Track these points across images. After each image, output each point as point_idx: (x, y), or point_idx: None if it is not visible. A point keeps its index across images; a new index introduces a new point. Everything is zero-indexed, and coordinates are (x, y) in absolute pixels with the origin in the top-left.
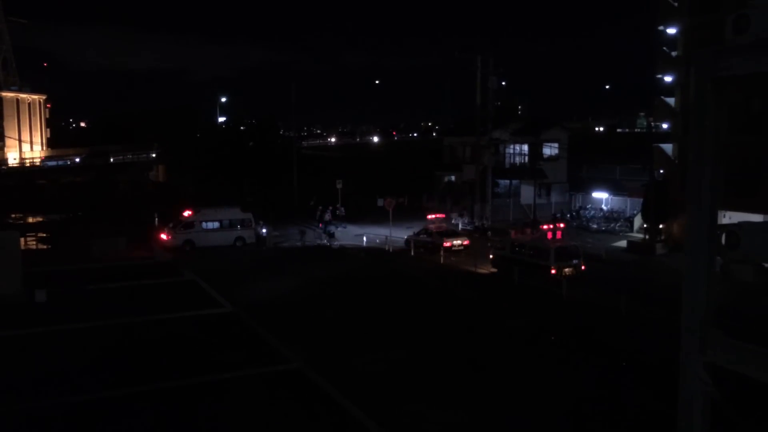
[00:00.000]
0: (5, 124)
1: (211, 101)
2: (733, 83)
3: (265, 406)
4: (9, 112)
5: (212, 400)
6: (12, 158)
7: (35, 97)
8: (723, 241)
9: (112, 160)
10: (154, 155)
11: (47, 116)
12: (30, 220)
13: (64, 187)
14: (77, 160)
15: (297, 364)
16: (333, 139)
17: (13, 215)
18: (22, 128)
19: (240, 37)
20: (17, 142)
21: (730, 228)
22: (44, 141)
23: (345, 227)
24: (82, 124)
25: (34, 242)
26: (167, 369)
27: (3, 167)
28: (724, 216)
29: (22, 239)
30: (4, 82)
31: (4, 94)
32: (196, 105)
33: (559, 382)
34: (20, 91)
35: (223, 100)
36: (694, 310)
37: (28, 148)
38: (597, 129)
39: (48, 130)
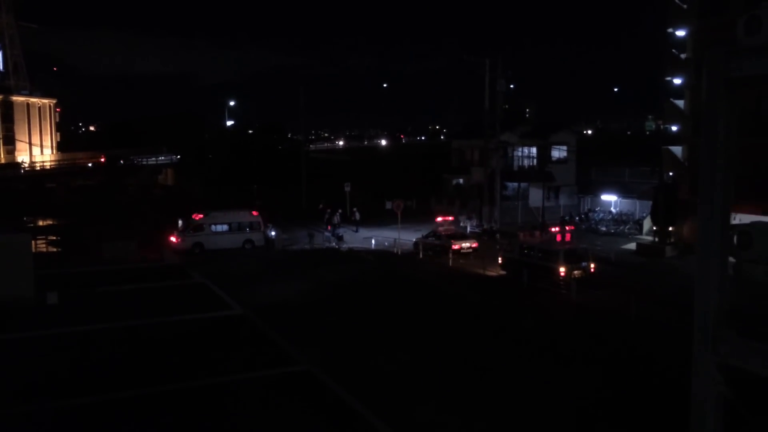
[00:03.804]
0: (16, 128)
1: (218, 105)
2: (745, 84)
3: (274, 406)
4: (19, 116)
5: (222, 401)
6: (22, 162)
7: (45, 101)
8: (735, 241)
9: (122, 162)
10: (162, 158)
11: (57, 120)
12: (41, 223)
13: (74, 190)
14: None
15: (306, 366)
16: (341, 143)
17: (25, 218)
18: (32, 132)
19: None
20: (27, 145)
21: (742, 228)
22: (54, 145)
23: (356, 230)
24: (92, 128)
25: (45, 245)
26: (178, 371)
27: (20, 171)
28: (735, 218)
29: (34, 242)
30: (14, 86)
31: (14, 98)
32: (204, 109)
33: (568, 385)
34: (30, 95)
35: (231, 104)
36: (707, 309)
37: (38, 151)
38: (606, 131)
39: (58, 134)
